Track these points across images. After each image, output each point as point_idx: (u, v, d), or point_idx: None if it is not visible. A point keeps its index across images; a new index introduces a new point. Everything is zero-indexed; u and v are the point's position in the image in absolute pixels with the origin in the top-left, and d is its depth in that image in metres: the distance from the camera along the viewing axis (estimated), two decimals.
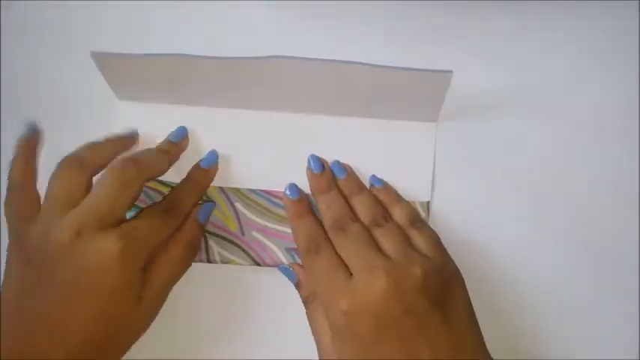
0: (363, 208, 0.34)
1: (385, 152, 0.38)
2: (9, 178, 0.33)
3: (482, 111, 0.39)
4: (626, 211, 0.38)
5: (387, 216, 0.34)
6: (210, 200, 0.37)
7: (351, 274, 0.30)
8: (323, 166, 0.36)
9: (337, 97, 0.37)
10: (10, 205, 0.32)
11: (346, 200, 0.35)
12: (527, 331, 0.36)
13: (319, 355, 0.32)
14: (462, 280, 0.32)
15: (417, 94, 0.35)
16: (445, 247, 0.33)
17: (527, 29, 0.41)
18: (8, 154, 0.37)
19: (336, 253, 0.32)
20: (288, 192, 0.36)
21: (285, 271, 0.36)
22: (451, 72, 0.32)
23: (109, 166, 0.32)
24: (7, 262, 0.31)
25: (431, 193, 0.37)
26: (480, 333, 0.31)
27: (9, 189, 0.33)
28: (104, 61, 0.35)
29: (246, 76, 0.36)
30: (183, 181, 0.36)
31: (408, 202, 0.36)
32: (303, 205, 0.36)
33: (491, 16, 0.41)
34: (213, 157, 0.37)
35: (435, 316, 0.29)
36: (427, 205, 0.37)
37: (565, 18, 0.41)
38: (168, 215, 0.33)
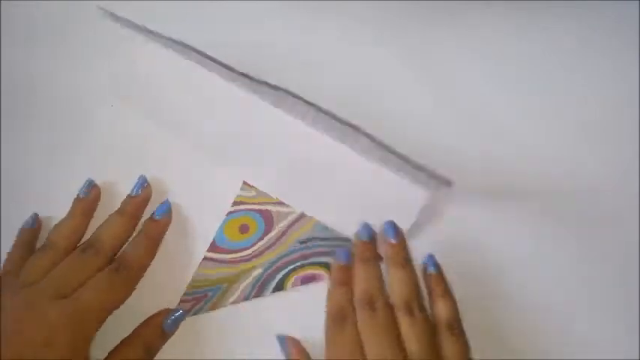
0: (400, 287, 0.31)
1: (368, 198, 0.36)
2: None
3: (481, 104, 0.39)
4: (627, 211, 0.38)
5: (423, 305, 0.31)
6: (181, 309, 0.34)
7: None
8: (371, 235, 0.33)
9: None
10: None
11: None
12: (527, 331, 0.37)
13: None
14: None
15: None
16: None
17: (526, 29, 0.41)
18: (8, 155, 0.37)
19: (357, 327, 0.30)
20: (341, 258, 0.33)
21: (282, 342, 0.34)
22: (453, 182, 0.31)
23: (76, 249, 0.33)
24: None
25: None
26: None
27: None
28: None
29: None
30: (136, 235, 0.35)
31: (454, 299, 0.32)
32: (348, 271, 0.33)
33: (489, 14, 0.41)
34: (165, 207, 0.36)
35: None
36: None
37: (565, 18, 0.41)
38: (119, 277, 0.32)
